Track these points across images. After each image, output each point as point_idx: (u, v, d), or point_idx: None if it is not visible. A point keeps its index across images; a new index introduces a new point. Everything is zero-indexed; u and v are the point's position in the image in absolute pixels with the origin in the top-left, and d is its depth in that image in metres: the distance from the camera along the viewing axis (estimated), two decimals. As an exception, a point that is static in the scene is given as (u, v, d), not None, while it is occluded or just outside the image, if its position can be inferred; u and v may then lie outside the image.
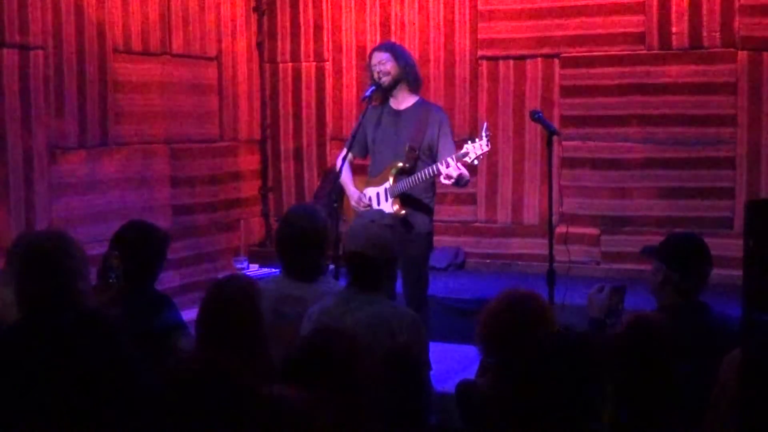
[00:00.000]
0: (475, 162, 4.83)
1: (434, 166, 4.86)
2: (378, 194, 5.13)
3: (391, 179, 5.06)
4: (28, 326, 3.15)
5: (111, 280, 3.73)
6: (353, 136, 5.28)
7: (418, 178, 4.95)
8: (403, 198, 5.04)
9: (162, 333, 3.46)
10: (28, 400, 2.77)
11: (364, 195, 5.15)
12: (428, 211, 5.18)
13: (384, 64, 5.08)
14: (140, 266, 3.66)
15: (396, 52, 5.16)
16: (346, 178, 5.23)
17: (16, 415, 2.72)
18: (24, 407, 2.73)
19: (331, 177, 5.33)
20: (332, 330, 2.73)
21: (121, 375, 2.51)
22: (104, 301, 3.65)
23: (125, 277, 3.59)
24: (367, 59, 5.28)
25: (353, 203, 5.15)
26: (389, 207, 5.02)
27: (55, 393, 2.50)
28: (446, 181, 4.85)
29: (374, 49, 5.26)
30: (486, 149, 4.80)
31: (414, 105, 5.15)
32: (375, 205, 5.08)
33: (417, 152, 5.03)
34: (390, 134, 5.11)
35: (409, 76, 5.12)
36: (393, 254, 3.52)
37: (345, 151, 5.29)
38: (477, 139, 4.80)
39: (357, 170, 5.40)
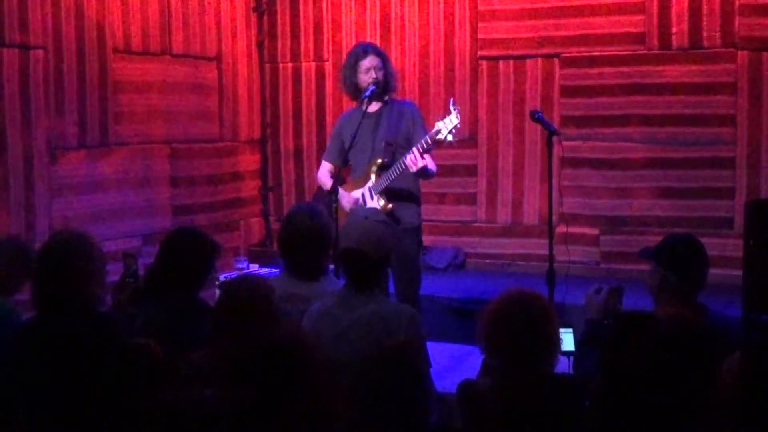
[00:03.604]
0: (449, 138, 4.85)
1: (404, 157, 4.91)
2: (363, 194, 5.18)
3: (373, 177, 5.12)
4: (39, 326, 3.16)
5: (127, 280, 3.75)
6: (331, 148, 5.40)
7: (395, 170, 5.00)
8: (389, 193, 5.08)
9: (197, 346, 3.26)
10: (33, 398, 2.78)
11: (351, 195, 5.19)
12: (416, 201, 5.23)
13: (378, 70, 5.13)
14: (185, 274, 3.61)
15: (386, 61, 5.25)
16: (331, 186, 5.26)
17: (21, 411, 2.73)
18: (28, 405, 2.74)
19: (331, 177, 5.35)
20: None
21: (125, 378, 2.52)
22: (122, 300, 3.67)
23: (170, 282, 3.58)
24: (356, 56, 5.23)
25: (345, 203, 5.16)
26: (375, 204, 5.05)
27: (59, 393, 2.51)
28: (412, 169, 4.88)
29: (369, 50, 5.24)
30: (456, 122, 4.82)
31: (384, 103, 5.23)
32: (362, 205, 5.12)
33: (394, 146, 5.10)
34: (367, 136, 5.15)
35: (389, 86, 5.21)
36: (388, 250, 3.51)
37: (327, 165, 5.40)
38: (447, 115, 4.84)
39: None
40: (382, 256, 3.47)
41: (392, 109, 5.20)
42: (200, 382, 2.83)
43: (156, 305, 3.55)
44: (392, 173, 5.02)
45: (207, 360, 2.98)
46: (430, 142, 4.88)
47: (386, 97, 5.24)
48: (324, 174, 5.41)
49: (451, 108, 4.85)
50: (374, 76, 5.13)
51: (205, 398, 2.36)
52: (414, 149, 4.87)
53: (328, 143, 5.58)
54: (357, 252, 3.43)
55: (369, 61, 5.16)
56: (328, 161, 5.42)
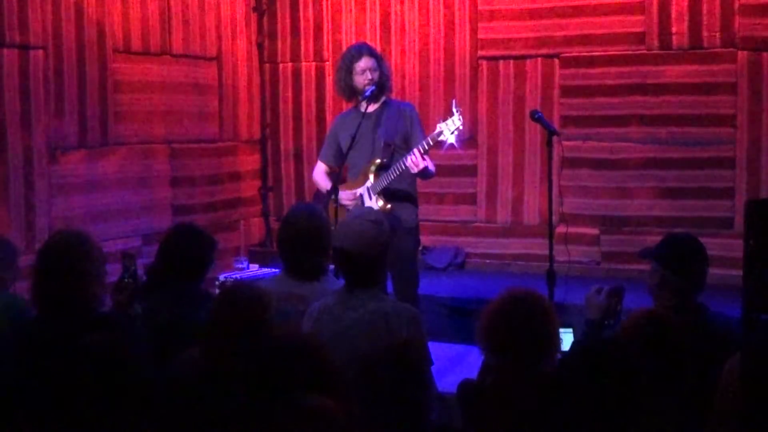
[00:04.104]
0: (451, 139, 4.88)
1: (405, 158, 4.93)
2: (362, 194, 5.17)
3: (371, 177, 5.13)
4: (38, 326, 3.16)
5: (126, 281, 3.78)
6: (326, 148, 5.42)
7: (395, 171, 5.02)
8: (387, 193, 5.08)
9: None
10: (33, 398, 2.78)
11: (354, 194, 5.18)
12: (413, 201, 5.26)
13: (374, 72, 5.14)
14: (185, 267, 3.80)
15: (381, 61, 5.27)
16: (329, 185, 5.26)
17: (21, 410, 2.72)
18: (27, 405, 2.74)
19: (331, 176, 5.36)
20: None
21: (128, 379, 2.52)
22: (120, 301, 3.69)
23: (171, 276, 3.76)
24: (351, 58, 5.23)
25: (346, 201, 5.14)
26: (374, 204, 5.06)
27: (59, 393, 2.51)
28: (414, 170, 4.91)
29: (363, 51, 5.25)
30: (459, 124, 4.85)
31: (382, 104, 5.25)
32: (360, 205, 5.12)
33: (392, 147, 5.11)
34: (365, 136, 5.15)
35: (385, 86, 5.24)
36: (377, 251, 3.48)
37: (322, 165, 5.42)
38: (449, 117, 4.85)
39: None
40: (372, 256, 3.45)
41: (390, 110, 5.21)
42: (193, 379, 2.83)
43: (158, 296, 3.70)
44: (391, 174, 5.03)
45: (201, 358, 2.98)
46: (431, 143, 4.90)
47: (383, 98, 5.25)
48: (319, 174, 5.42)
49: (454, 110, 4.86)
50: (370, 77, 5.14)
51: (213, 394, 2.37)
52: (415, 150, 4.88)
53: (324, 143, 5.60)
54: (345, 252, 3.44)
55: (364, 63, 5.16)
56: (323, 162, 5.43)
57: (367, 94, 5.13)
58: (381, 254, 3.49)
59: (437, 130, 4.89)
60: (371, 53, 5.24)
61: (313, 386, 2.36)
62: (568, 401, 2.40)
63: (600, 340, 2.60)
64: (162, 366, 3.33)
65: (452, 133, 4.86)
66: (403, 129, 5.15)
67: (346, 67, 5.22)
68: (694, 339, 3.17)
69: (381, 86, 5.20)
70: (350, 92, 5.26)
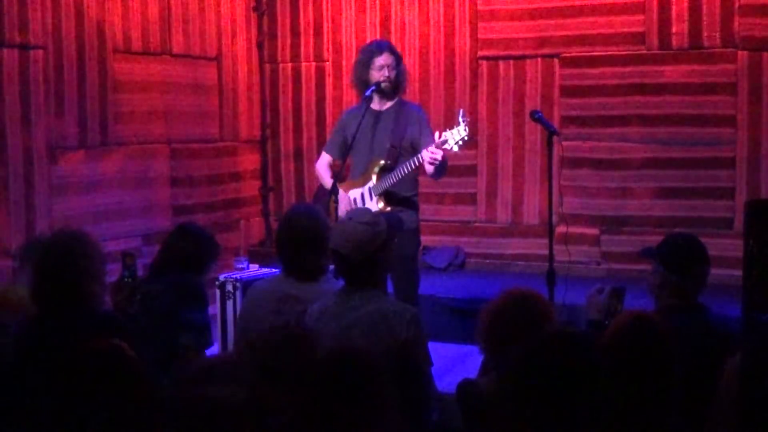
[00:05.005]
0: (455, 148, 4.84)
1: (415, 158, 4.91)
2: (362, 194, 5.16)
3: (374, 177, 5.11)
4: (38, 325, 3.16)
5: (125, 279, 3.81)
6: (332, 141, 5.41)
7: (400, 173, 5.00)
8: (388, 195, 5.07)
9: (177, 325, 3.83)
10: (32, 397, 2.78)
11: (349, 197, 5.16)
12: (414, 206, 5.23)
13: (391, 69, 5.11)
14: (185, 261, 4.06)
15: (400, 61, 5.24)
16: (330, 183, 5.27)
17: (20, 409, 2.73)
18: (26, 404, 2.74)
19: (333, 172, 5.35)
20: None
21: (128, 378, 2.52)
22: (119, 300, 3.73)
23: (172, 268, 4.00)
24: (371, 53, 5.21)
25: (342, 207, 5.13)
26: (374, 206, 5.04)
27: (58, 392, 2.51)
28: (430, 166, 4.84)
29: (384, 48, 5.23)
30: (465, 133, 4.81)
31: (393, 105, 5.21)
32: (360, 206, 5.10)
33: (398, 150, 5.08)
34: (370, 135, 5.13)
35: (400, 86, 5.21)
36: (371, 253, 3.46)
37: (326, 156, 5.40)
38: (455, 126, 4.83)
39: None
40: (365, 258, 3.44)
41: (401, 112, 5.16)
42: (219, 381, 2.81)
43: (155, 285, 3.95)
44: (395, 176, 5.01)
45: (228, 362, 2.95)
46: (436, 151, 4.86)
47: (397, 98, 5.22)
48: (323, 166, 5.41)
49: (460, 119, 4.82)
50: (387, 74, 5.12)
51: (230, 397, 2.36)
52: (430, 147, 4.82)
53: (330, 135, 5.58)
54: (338, 254, 3.45)
55: (383, 59, 5.14)
56: (328, 153, 5.42)
57: (368, 93, 5.12)
58: (376, 256, 3.47)
59: (442, 138, 4.84)
60: (392, 51, 5.21)
61: (360, 398, 2.36)
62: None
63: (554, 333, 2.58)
64: (155, 350, 3.42)
65: (457, 142, 4.82)
66: (411, 134, 5.09)
67: (364, 61, 5.20)
68: (694, 339, 3.17)
69: (396, 85, 5.17)
70: (364, 87, 5.22)
